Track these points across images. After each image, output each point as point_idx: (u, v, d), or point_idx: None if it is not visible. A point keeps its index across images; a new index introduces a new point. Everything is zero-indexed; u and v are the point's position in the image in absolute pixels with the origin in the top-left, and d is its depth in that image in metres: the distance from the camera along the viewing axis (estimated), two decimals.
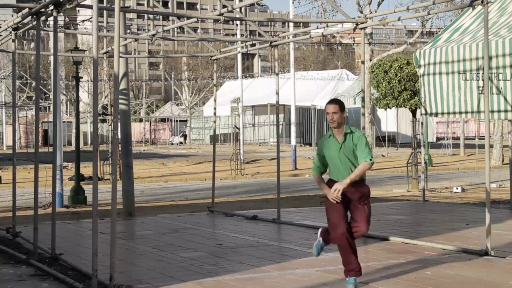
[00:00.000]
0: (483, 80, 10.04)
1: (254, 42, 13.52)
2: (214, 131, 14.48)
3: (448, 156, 33.70)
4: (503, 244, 9.12)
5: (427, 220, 12.00)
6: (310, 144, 47.51)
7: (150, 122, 67.07)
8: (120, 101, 13.49)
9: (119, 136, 13.89)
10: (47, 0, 8.25)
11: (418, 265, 7.95)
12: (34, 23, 9.40)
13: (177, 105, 70.91)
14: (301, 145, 47.26)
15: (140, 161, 31.38)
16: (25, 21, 9.87)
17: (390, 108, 20.32)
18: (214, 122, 14.96)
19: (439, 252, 8.77)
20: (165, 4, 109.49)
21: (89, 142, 57.84)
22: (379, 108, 20.42)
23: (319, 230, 7.05)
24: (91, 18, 22.60)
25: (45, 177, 13.22)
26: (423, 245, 9.23)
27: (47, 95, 60.39)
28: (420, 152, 17.40)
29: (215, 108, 14.72)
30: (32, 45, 61.77)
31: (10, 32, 10.42)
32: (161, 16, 70.62)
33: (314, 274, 7.57)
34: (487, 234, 8.46)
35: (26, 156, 36.57)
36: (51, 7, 8.44)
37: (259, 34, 67.35)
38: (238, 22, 35.44)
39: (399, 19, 10.44)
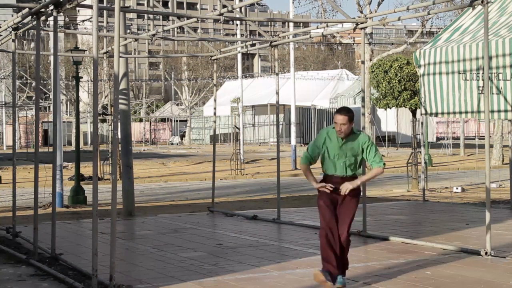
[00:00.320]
0: (483, 80, 10.04)
1: (254, 42, 13.52)
2: (214, 131, 14.48)
3: (448, 156, 33.70)
4: (503, 244, 9.12)
5: (427, 220, 12.00)
6: None
7: (150, 122, 67.05)
8: (120, 101, 13.49)
9: (119, 136, 13.89)
10: (47, 0, 8.25)
11: (418, 265, 7.95)
12: (34, 23, 9.40)
13: (177, 105, 70.86)
14: (301, 145, 47.22)
15: (140, 161, 31.38)
16: (25, 21, 9.87)
17: (390, 108, 20.32)
18: (214, 122, 14.96)
19: (439, 252, 8.78)
20: (165, 4, 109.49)
21: (89, 142, 57.83)
22: (379, 108, 20.42)
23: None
24: (91, 18, 22.60)
25: (45, 177, 13.22)
26: (423, 245, 9.23)
27: (47, 95, 60.40)
28: (420, 152, 17.40)
29: (215, 108, 14.72)
30: (32, 45, 61.77)
31: (10, 32, 10.42)
32: (161, 16, 70.60)
33: None
34: (487, 234, 8.46)
35: (26, 156, 36.58)
36: (51, 7, 8.44)
37: (259, 34, 67.34)
38: (238, 22, 35.45)
39: (399, 19, 10.44)
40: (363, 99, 10.74)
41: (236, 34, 48.12)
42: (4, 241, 10.22)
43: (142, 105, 68.08)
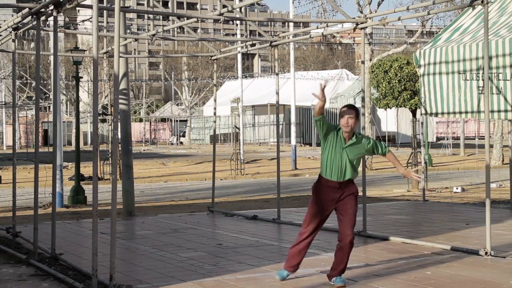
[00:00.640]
0: (483, 80, 10.04)
1: (254, 42, 13.52)
2: (214, 131, 14.49)
3: (448, 156, 33.71)
4: (503, 244, 9.12)
5: (427, 220, 12.00)
6: (310, 144, 47.50)
7: (150, 122, 67.03)
8: (120, 101, 13.49)
9: (119, 136, 13.89)
10: (47, 0, 8.25)
11: (418, 265, 7.95)
12: (34, 23, 9.40)
13: (177, 105, 70.85)
14: (301, 145, 47.25)
15: (140, 161, 31.38)
16: (25, 21, 9.87)
17: (390, 108, 20.33)
18: (214, 122, 14.96)
19: (439, 252, 8.78)
20: (165, 4, 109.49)
21: (89, 142, 57.82)
22: (379, 108, 20.43)
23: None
24: (91, 18, 22.60)
25: (45, 177, 13.22)
26: (423, 245, 9.23)
27: (47, 95, 60.42)
28: (420, 152, 17.40)
29: (215, 108, 14.72)
30: (32, 45, 61.77)
31: (10, 32, 10.43)
32: (161, 16, 70.59)
33: (314, 274, 7.58)
34: (487, 234, 8.46)
35: (26, 156, 36.59)
36: (51, 7, 8.44)
37: (259, 34, 67.37)
38: (238, 22, 35.45)
39: (399, 19, 10.44)
40: (363, 99, 10.74)
41: (236, 34, 48.12)
42: (4, 241, 10.22)
43: (142, 105, 68.07)
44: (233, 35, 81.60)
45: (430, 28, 38.42)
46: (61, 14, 12.88)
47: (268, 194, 18.71)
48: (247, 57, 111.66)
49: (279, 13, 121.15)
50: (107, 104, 39.92)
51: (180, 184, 23.60)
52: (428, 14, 11.79)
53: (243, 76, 46.12)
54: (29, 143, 49.97)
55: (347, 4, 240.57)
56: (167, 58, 73.03)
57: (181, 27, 12.90)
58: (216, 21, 11.40)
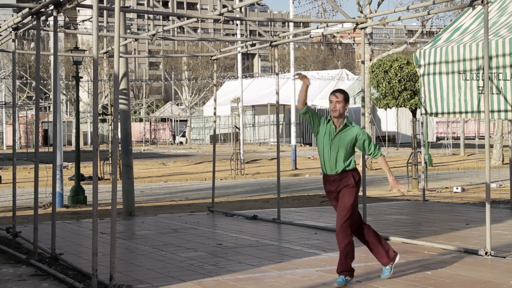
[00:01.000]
0: (483, 80, 10.04)
1: (254, 42, 13.52)
2: (214, 131, 14.49)
3: (448, 156, 33.70)
4: (503, 244, 9.12)
5: (427, 220, 12.00)
6: (310, 144, 47.51)
7: (150, 122, 67.04)
8: (120, 101, 13.49)
9: (119, 136, 13.90)
10: (47, 0, 8.25)
11: (418, 265, 7.95)
12: (34, 23, 9.40)
13: (177, 105, 70.86)
14: (301, 145, 47.26)
15: (140, 161, 31.39)
16: (25, 21, 9.88)
17: (390, 108, 20.31)
18: (214, 122, 14.96)
19: (439, 252, 8.78)
20: (165, 4, 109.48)
21: (89, 142, 57.82)
22: (379, 108, 20.41)
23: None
24: (91, 18, 22.59)
25: (45, 177, 13.23)
26: (423, 245, 9.23)
27: (47, 95, 60.43)
28: (420, 152, 17.40)
29: (215, 108, 14.72)
30: (32, 45, 61.76)
31: (10, 32, 10.43)
32: (161, 16, 70.58)
33: (314, 274, 7.58)
34: (487, 234, 8.46)
35: (26, 156, 36.60)
36: (51, 7, 8.44)
37: (259, 34, 67.36)
38: (238, 22, 35.44)
39: (399, 19, 10.44)
40: (363, 99, 10.75)
41: (236, 34, 48.11)
42: (4, 241, 10.23)
43: (142, 105, 68.08)
44: (233, 35, 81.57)
45: (430, 28, 38.41)
46: (61, 14, 12.89)
47: (268, 194, 18.71)
48: (247, 57, 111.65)
49: (279, 13, 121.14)
50: (107, 104, 39.92)
51: (180, 184, 23.61)
52: (428, 14, 11.79)
53: (243, 76, 46.12)
54: (29, 143, 49.97)
55: (347, 4, 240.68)
56: (167, 58, 73.06)
57: (181, 27, 12.90)
58: (216, 21, 11.40)
